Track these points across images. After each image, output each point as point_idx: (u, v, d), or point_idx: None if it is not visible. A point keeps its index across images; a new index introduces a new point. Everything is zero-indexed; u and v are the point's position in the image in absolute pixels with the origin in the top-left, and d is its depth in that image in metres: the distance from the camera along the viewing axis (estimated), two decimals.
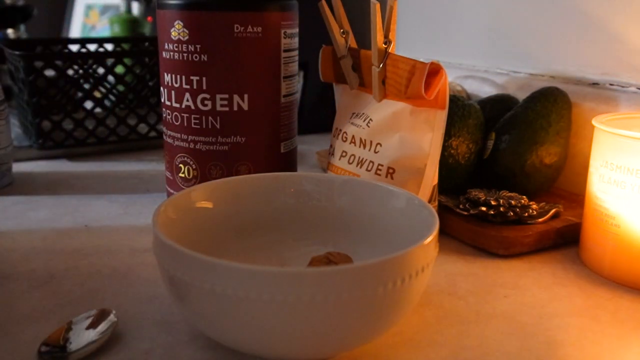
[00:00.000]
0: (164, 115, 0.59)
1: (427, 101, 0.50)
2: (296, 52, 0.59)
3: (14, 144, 0.80)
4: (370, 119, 0.53)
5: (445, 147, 0.58)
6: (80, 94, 0.83)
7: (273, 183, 0.47)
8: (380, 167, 0.51)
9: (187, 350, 0.38)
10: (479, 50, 0.79)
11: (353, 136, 0.54)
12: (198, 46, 0.54)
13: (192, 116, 0.56)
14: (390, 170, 0.51)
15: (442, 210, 0.56)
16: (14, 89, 0.87)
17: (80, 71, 0.82)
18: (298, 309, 0.31)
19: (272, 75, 0.57)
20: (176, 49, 0.55)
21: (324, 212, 0.47)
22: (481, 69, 0.78)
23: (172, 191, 0.60)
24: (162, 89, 0.58)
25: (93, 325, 0.39)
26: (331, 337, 0.33)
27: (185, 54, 0.55)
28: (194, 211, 0.43)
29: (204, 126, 0.56)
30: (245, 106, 0.56)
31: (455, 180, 0.60)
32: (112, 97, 0.85)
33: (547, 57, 0.69)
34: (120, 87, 0.85)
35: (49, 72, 0.78)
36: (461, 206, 0.56)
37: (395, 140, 0.51)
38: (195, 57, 0.54)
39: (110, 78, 0.86)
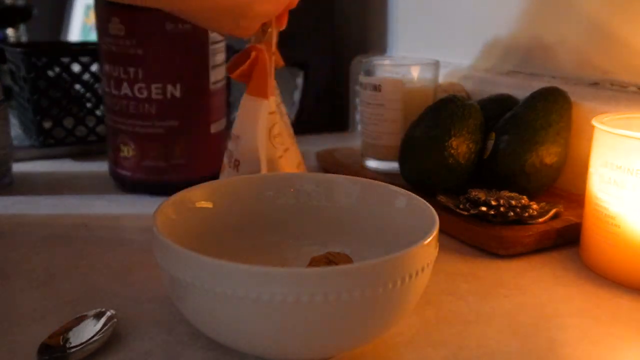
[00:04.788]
0: (106, 101, 0.64)
1: (253, 89, 0.52)
2: (223, 42, 0.66)
3: (14, 144, 0.80)
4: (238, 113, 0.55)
5: (445, 147, 0.58)
6: (81, 92, 0.83)
7: (273, 183, 0.47)
8: (236, 161, 0.53)
9: (187, 350, 0.38)
10: (479, 50, 0.79)
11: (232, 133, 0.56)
12: (134, 41, 0.60)
13: (130, 103, 0.62)
14: (237, 163, 0.53)
15: (442, 210, 0.56)
16: (14, 89, 0.87)
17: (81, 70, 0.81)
18: (298, 309, 0.31)
19: (201, 65, 0.63)
20: (114, 42, 0.60)
21: (324, 212, 0.47)
22: (481, 69, 0.78)
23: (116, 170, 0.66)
24: (102, 76, 0.63)
25: (93, 325, 0.39)
26: (331, 337, 0.33)
27: (122, 47, 0.61)
28: (194, 211, 0.43)
29: (140, 111, 0.62)
30: (177, 94, 0.62)
31: (455, 180, 0.60)
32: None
33: (547, 57, 0.69)
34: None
35: (50, 72, 0.78)
36: (461, 206, 0.56)
37: (238, 131, 0.53)
38: (131, 51, 0.60)
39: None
